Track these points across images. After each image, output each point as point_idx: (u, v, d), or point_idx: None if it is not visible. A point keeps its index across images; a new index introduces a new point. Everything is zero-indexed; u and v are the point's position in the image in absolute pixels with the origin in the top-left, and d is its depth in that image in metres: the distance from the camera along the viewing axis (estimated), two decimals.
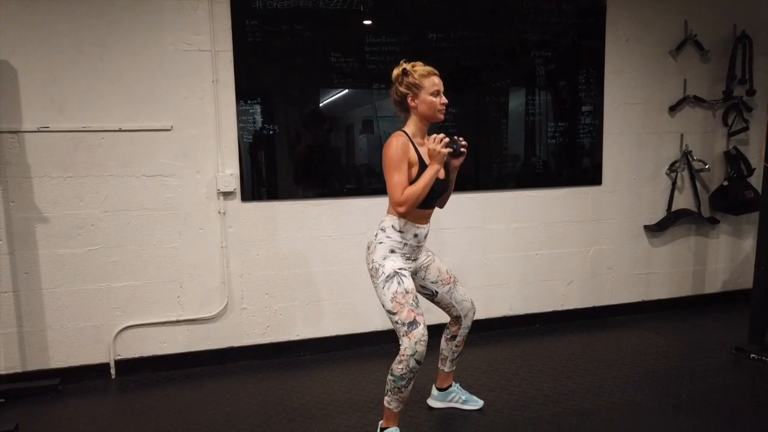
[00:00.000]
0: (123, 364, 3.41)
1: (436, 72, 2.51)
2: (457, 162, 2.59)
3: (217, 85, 3.40)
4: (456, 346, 2.81)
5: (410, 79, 2.47)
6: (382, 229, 2.52)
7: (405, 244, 2.51)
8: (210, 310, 3.52)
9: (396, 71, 2.51)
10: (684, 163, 4.39)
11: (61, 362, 3.31)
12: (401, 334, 2.38)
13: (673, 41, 4.27)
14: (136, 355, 3.43)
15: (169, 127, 3.35)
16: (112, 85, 3.24)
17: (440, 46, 3.77)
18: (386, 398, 2.47)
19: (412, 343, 2.33)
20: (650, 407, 2.86)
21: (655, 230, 4.38)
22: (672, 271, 4.52)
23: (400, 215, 2.45)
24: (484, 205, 4.00)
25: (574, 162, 4.18)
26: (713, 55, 4.36)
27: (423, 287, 2.70)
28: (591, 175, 4.22)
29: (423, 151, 2.50)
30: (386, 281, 2.43)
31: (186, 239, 3.44)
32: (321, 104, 3.62)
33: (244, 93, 3.44)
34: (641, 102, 4.27)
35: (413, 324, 2.36)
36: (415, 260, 2.60)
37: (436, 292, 2.71)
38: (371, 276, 2.51)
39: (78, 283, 3.29)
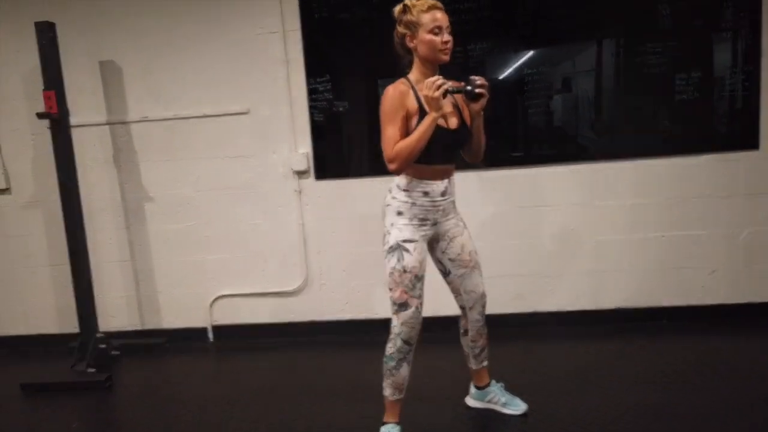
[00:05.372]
0: (220, 329, 3.76)
1: (440, 5, 2.16)
2: (477, 106, 2.16)
3: (288, 66, 3.46)
4: (471, 341, 2.48)
5: (408, 17, 2.16)
6: (389, 190, 2.28)
7: (413, 204, 2.22)
8: (291, 284, 3.66)
9: (397, 8, 2.21)
10: None
11: (170, 324, 3.78)
12: (392, 312, 2.28)
13: None
14: (231, 322, 3.75)
15: (246, 110, 3.52)
16: (197, 74, 3.52)
17: None
18: (383, 384, 2.31)
19: (399, 323, 2.24)
20: None
21: None
22: None
23: (393, 172, 2.17)
24: (591, 178, 3.41)
25: (715, 121, 3.31)
26: None
27: (439, 261, 2.41)
28: (742, 137, 3.31)
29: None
30: (389, 252, 2.23)
31: (267, 216, 3.62)
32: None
33: (313, 71, 3.44)
34: None
35: (404, 306, 2.22)
36: (434, 224, 2.29)
37: (450, 272, 2.41)
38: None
39: (180, 255, 3.70)
